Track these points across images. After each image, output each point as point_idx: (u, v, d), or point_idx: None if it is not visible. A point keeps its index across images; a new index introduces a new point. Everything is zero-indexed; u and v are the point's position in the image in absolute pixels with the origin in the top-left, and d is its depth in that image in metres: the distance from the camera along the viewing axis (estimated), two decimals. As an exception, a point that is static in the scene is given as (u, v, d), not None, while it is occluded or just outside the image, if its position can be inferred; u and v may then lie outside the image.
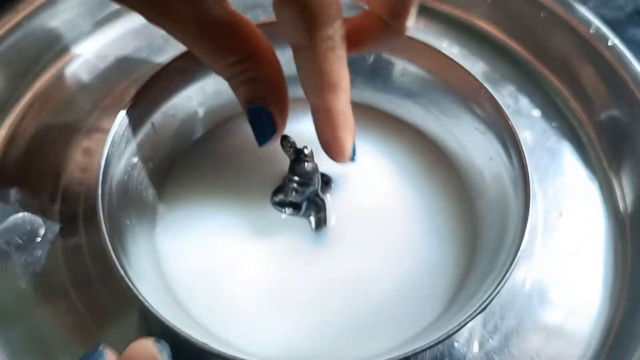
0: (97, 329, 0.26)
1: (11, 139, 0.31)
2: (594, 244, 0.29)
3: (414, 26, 0.38)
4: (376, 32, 0.25)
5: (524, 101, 0.34)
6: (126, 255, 0.24)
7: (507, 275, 0.23)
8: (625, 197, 0.30)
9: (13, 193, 0.29)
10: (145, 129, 0.27)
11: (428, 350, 0.25)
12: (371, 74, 0.31)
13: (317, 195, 0.28)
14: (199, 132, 0.31)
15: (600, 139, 0.32)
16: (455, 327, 0.22)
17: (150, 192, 0.28)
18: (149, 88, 0.27)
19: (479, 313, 0.22)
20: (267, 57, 0.24)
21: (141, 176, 0.27)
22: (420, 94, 0.30)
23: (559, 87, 0.34)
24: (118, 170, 0.26)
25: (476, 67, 0.36)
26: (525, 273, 0.28)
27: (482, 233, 0.28)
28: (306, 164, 0.27)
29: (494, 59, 0.36)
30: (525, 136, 0.33)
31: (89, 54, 0.35)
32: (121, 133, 0.25)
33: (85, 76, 0.34)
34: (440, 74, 0.29)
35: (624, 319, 0.26)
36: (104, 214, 0.23)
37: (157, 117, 0.28)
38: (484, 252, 0.27)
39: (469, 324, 0.26)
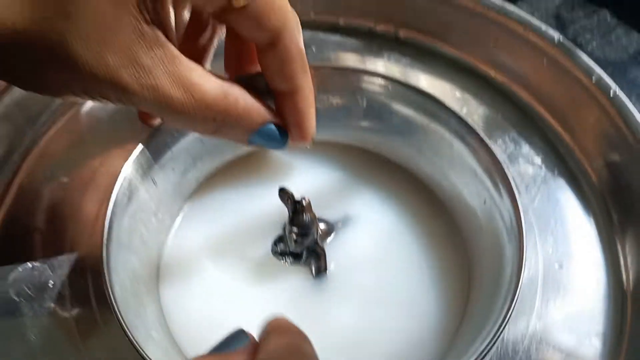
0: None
1: (21, 188, 0.32)
2: (593, 299, 0.29)
3: (415, 67, 0.38)
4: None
5: (526, 147, 0.34)
6: (131, 311, 0.25)
7: (499, 333, 0.23)
8: (626, 250, 0.30)
9: (24, 243, 0.30)
10: (146, 184, 0.28)
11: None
12: (365, 117, 0.32)
13: (316, 244, 0.28)
14: (198, 183, 0.32)
15: (603, 188, 0.32)
16: None
17: (153, 246, 0.29)
18: (148, 145, 0.28)
19: None
20: (240, 89, 0.24)
21: (143, 231, 0.28)
22: (413, 137, 0.31)
23: (562, 133, 0.35)
24: (122, 226, 0.26)
25: (478, 111, 0.36)
26: (525, 327, 0.28)
27: (477, 280, 0.29)
28: (304, 215, 0.27)
29: (496, 103, 0.37)
30: (527, 183, 0.33)
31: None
32: (123, 192, 0.26)
33: (93, 123, 0.35)
34: (432, 116, 0.30)
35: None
36: (109, 277, 0.24)
37: (157, 172, 0.28)
38: (479, 301, 0.27)
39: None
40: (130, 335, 0.23)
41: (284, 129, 0.26)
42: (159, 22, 0.22)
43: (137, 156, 0.27)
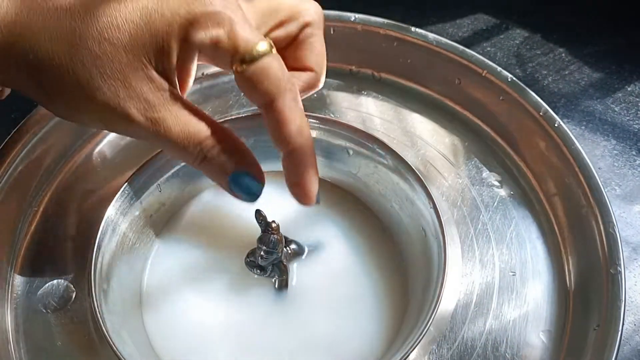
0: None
1: (47, 215, 0.37)
2: (542, 300, 0.33)
3: (391, 102, 0.44)
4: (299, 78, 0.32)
5: (486, 172, 0.39)
6: (122, 335, 0.30)
7: (424, 331, 0.28)
8: (569, 258, 0.35)
9: (49, 262, 0.35)
10: (134, 210, 0.33)
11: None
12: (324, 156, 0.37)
13: (281, 262, 0.33)
14: (173, 211, 0.36)
15: (551, 206, 0.37)
16: None
17: (135, 275, 0.34)
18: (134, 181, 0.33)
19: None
20: (228, 131, 0.28)
21: (124, 261, 0.33)
22: (362, 174, 0.36)
23: (517, 160, 0.40)
24: (106, 259, 0.31)
25: (445, 140, 0.41)
26: (482, 326, 0.33)
27: (413, 294, 0.33)
28: (272, 236, 0.32)
29: (462, 134, 0.42)
30: (486, 203, 0.38)
31: (111, 135, 0.41)
32: (107, 226, 0.32)
33: (108, 154, 0.40)
34: (380, 156, 0.35)
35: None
36: (96, 297, 0.29)
37: (145, 198, 0.33)
38: (415, 308, 0.32)
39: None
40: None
41: (260, 181, 0.29)
42: (165, 73, 0.26)
43: (121, 194, 0.32)
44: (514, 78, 0.40)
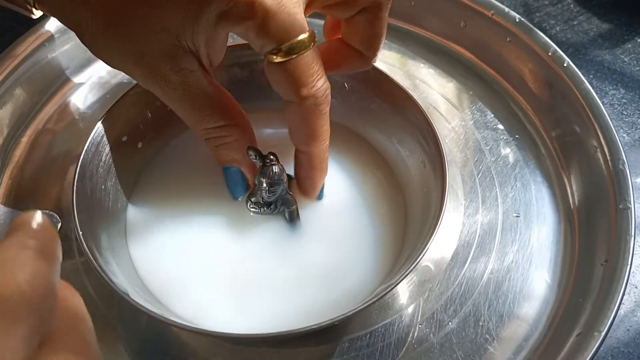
0: (106, 310, 0.30)
1: (31, 149, 0.35)
2: (547, 241, 0.32)
3: (393, 49, 0.42)
4: (349, 58, 0.29)
5: (490, 115, 0.38)
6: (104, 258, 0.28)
7: (419, 259, 0.26)
8: (575, 200, 0.34)
9: (34, 192, 0.33)
10: (120, 138, 0.31)
11: (392, 329, 0.29)
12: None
13: (287, 192, 0.31)
14: (171, 140, 0.34)
15: (556, 148, 0.36)
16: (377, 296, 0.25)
17: (120, 201, 0.31)
18: (121, 105, 0.31)
19: (400, 281, 0.25)
20: (241, 125, 0.28)
21: (113, 185, 0.31)
22: (370, 112, 0.34)
23: (522, 102, 0.38)
24: (92, 181, 0.29)
25: (449, 85, 0.40)
26: (484, 266, 0.31)
27: (411, 229, 0.31)
28: (274, 167, 0.29)
29: (466, 78, 0.40)
30: (490, 146, 0.36)
31: (93, 79, 0.39)
32: (93, 149, 0.29)
33: (97, 87, 0.39)
34: (385, 94, 0.33)
35: (567, 306, 0.29)
36: (80, 222, 0.27)
37: (129, 130, 0.32)
38: (412, 237, 0.30)
39: (433, 310, 0.30)
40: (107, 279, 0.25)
41: (247, 185, 0.31)
42: (195, 51, 0.25)
43: (107, 118, 0.30)
44: (522, 18, 0.38)
